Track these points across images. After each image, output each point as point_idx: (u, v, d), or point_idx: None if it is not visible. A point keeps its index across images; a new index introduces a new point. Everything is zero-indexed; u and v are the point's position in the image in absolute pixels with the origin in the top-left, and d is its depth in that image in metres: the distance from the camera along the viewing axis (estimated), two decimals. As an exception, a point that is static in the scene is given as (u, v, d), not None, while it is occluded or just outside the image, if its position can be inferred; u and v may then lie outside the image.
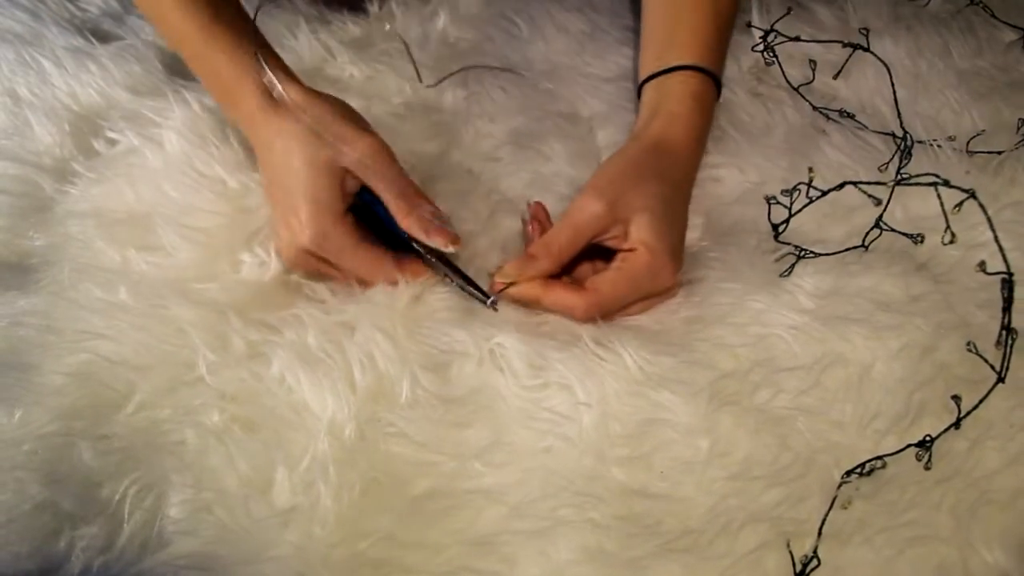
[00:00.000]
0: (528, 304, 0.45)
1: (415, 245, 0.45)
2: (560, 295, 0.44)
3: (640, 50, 0.55)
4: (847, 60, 0.55)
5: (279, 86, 0.45)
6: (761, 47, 0.57)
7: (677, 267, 0.45)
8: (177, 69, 0.62)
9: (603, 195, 0.44)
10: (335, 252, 0.44)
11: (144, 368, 0.42)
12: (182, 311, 0.44)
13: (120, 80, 0.60)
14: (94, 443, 0.40)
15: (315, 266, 0.46)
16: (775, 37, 0.56)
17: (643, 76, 0.52)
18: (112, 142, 0.55)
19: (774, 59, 0.57)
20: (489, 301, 0.44)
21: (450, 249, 0.44)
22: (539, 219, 0.48)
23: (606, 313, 0.44)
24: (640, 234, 0.43)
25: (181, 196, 0.50)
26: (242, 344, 0.43)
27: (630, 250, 0.44)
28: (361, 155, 0.44)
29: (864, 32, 0.54)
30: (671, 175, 0.47)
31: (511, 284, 0.44)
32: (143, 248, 0.48)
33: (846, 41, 0.55)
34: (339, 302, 0.45)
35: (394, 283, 0.45)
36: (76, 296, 0.46)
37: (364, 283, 0.46)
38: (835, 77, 0.56)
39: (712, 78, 0.51)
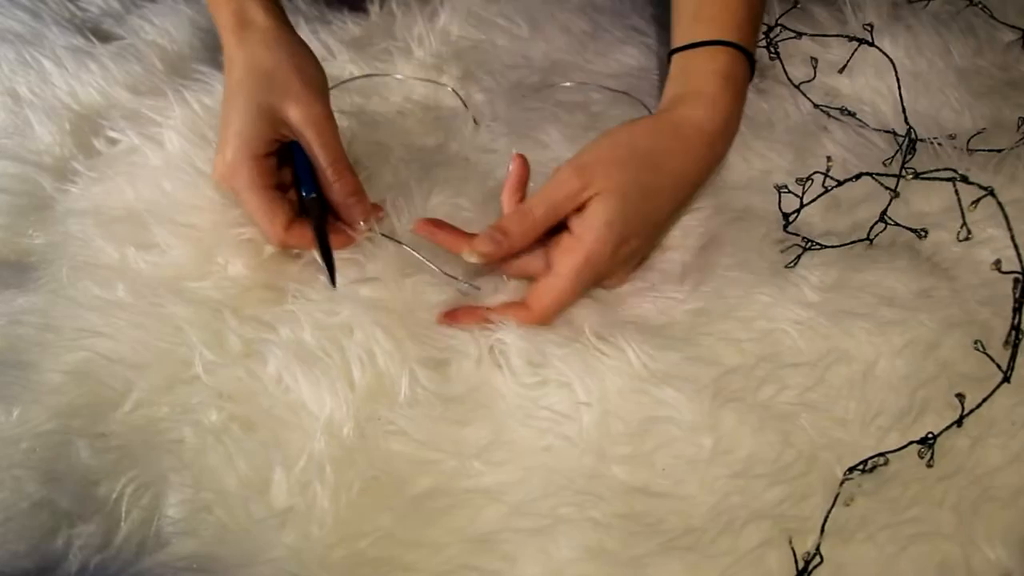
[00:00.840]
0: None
1: (308, 213, 0.47)
2: (505, 317, 0.43)
3: (670, 25, 0.52)
4: (852, 55, 0.55)
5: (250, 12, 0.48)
6: (764, 43, 0.57)
7: (626, 257, 0.44)
8: (177, 68, 0.62)
9: (583, 173, 0.42)
10: (236, 188, 0.46)
11: (142, 366, 0.42)
12: (178, 309, 0.44)
13: (120, 79, 0.60)
14: (91, 441, 0.40)
15: (232, 193, 0.48)
16: (780, 32, 0.56)
17: (671, 48, 0.50)
18: (113, 141, 0.55)
19: (776, 56, 0.57)
20: (336, 287, 0.46)
21: (363, 224, 0.47)
22: (520, 175, 0.46)
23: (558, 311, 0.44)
24: (593, 217, 0.42)
25: (180, 194, 0.50)
26: (238, 342, 0.43)
27: (575, 236, 0.42)
28: (305, 118, 0.46)
29: (868, 28, 0.54)
30: (674, 164, 0.45)
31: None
32: (142, 246, 0.48)
33: (851, 36, 0.55)
34: (334, 300, 0.45)
35: (277, 243, 0.47)
36: (75, 294, 0.45)
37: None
38: (841, 71, 0.55)
39: (744, 54, 0.48)
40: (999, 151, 0.48)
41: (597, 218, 0.42)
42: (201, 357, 0.42)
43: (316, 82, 0.48)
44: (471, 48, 0.63)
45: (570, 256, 0.42)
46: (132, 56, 0.62)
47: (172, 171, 0.51)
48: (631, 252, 0.44)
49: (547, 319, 0.43)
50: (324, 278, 0.46)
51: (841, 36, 0.56)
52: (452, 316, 0.44)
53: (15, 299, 0.46)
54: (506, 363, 0.42)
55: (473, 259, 0.43)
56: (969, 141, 0.50)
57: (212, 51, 0.63)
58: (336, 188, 0.46)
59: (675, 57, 0.49)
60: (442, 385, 0.42)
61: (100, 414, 0.41)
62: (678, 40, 0.50)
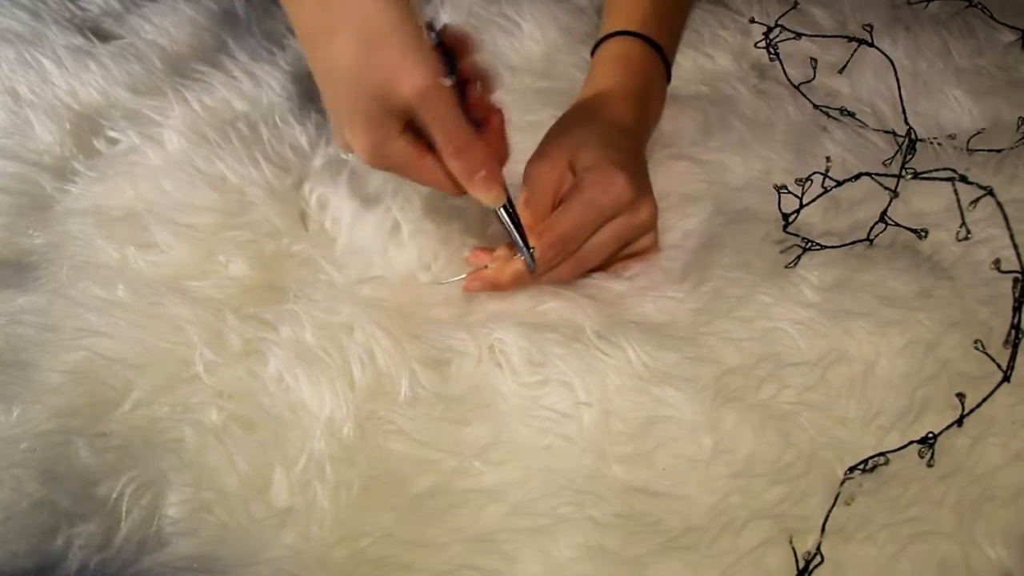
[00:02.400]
0: (497, 286, 0.44)
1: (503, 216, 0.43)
2: (516, 261, 0.43)
3: None
4: (852, 55, 0.55)
5: None
6: (763, 43, 0.57)
7: (632, 181, 0.43)
8: (177, 68, 0.62)
9: (548, 159, 0.44)
10: (397, 167, 0.42)
11: (142, 366, 0.42)
12: (179, 308, 0.44)
13: (120, 79, 0.60)
14: (91, 441, 0.40)
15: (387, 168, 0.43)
16: (779, 33, 0.56)
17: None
18: (113, 141, 0.55)
19: (775, 57, 0.57)
20: (530, 264, 0.42)
21: (487, 203, 0.42)
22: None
23: (571, 247, 0.43)
24: (582, 163, 0.43)
25: (180, 194, 0.50)
26: (238, 341, 0.43)
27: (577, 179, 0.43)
28: (414, 90, 0.39)
29: (868, 28, 0.54)
30: (604, 117, 0.47)
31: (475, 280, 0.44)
32: (142, 246, 0.48)
33: (850, 36, 0.55)
34: (335, 299, 0.45)
35: (459, 193, 0.43)
36: (75, 294, 0.45)
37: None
38: (840, 72, 0.55)
39: (646, 41, 0.51)
40: (999, 151, 0.48)
41: (586, 158, 0.43)
42: (201, 357, 0.42)
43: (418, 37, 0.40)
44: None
45: (576, 185, 0.43)
46: (132, 56, 0.62)
47: (172, 171, 0.52)
48: (630, 174, 0.43)
49: (558, 243, 0.42)
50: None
51: (840, 37, 0.56)
52: (477, 277, 0.44)
53: (15, 299, 0.46)
54: (506, 362, 0.42)
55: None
56: (969, 141, 0.50)
57: (212, 50, 0.63)
58: (457, 164, 0.41)
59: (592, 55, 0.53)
60: (442, 385, 0.42)
61: (100, 414, 0.41)
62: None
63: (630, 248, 0.47)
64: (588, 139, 0.45)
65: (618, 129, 0.48)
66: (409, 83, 0.39)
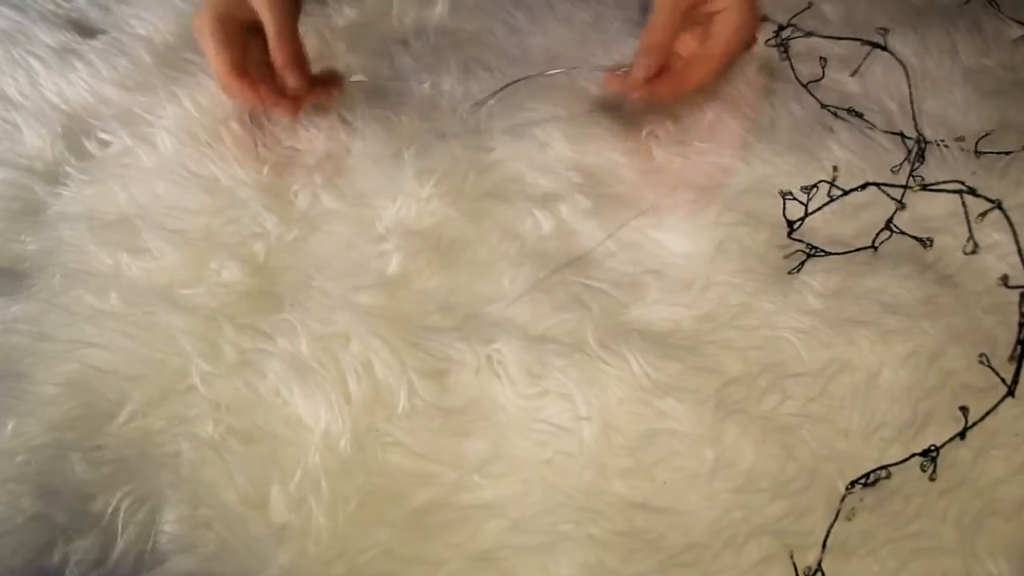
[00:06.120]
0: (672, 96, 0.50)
1: None
2: (691, 75, 0.49)
3: None
4: (865, 58, 0.54)
5: None
6: (774, 42, 0.56)
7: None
8: (166, 60, 0.61)
9: None
10: (201, 37, 0.50)
11: (136, 377, 0.42)
12: (172, 318, 0.43)
13: (108, 76, 0.59)
14: (86, 454, 0.39)
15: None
16: (792, 32, 0.55)
17: None
18: (104, 143, 0.54)
19: (786, 56, 0.55)
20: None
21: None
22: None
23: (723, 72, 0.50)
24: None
25: (173, 198, 0.49)
26: (233, 352, 0.42)
27: (719, 11, 0.49)
28: None
29: (882, 32, 0.53)
30: None
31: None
32: (134, 252, 0.47)
33: (864, 39, 0.54)
34: (331, 308, 0.44)
35: (220, 83, 0.51)
36: (68, 303, 0.45)
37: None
38: (853, 74, 0.54)
39: None
40: (1007, 153, 0.48)
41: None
42: (197, 368, 0.41)
43: None
44: (469, 40, 0.62)
45: (726, 20, 0.49)
46: (119, 51, 0.60)
47: (165, 173, 0.51)
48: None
49: (696, 91, 0.51)
50: None
51: (855, 39, 0.54)
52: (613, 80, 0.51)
53: (8, 307, 0.45)
54: (504, 373, 0.41)
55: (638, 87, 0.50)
56: (977, 143, 0.49)
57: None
58: (277, 57, 0.50)
59: None
60: (441, 396, 0.41)
61: (95, 426, 0.40)
62: None
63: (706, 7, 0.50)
64: None
65: None
66: None
